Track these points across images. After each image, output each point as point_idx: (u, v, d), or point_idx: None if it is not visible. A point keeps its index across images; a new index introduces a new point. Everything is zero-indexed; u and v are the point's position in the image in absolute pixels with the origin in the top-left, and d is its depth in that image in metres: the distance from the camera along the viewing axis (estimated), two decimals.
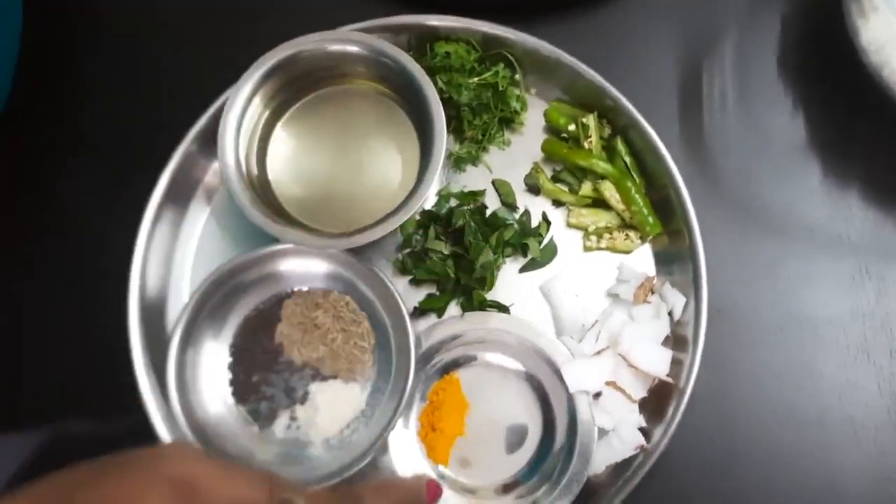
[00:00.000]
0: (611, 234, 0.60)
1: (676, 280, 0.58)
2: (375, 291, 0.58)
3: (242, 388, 0.58)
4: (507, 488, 0.57)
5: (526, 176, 0.61)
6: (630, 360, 0.56)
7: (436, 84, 0.58)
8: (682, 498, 0.58)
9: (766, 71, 0.63)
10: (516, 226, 0.60)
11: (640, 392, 0.57)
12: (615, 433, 0.56)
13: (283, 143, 0.61)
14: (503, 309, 0.59)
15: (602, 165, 0.59)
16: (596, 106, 0.60)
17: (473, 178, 0.62)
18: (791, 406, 0.58)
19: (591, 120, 0.60)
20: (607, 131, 0.61)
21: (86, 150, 0.65)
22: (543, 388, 0.58)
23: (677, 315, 0.57)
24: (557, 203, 0.61)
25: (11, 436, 0.60)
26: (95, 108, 0.65)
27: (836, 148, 0.62)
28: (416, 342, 0.56)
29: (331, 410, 0.57)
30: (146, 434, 0.55)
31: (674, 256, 0.59)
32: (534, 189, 0.61)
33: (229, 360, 0.58)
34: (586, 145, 0.60)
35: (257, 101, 0.58)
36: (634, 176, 0.59)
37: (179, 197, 0.60)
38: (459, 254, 0.59)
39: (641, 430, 0.56)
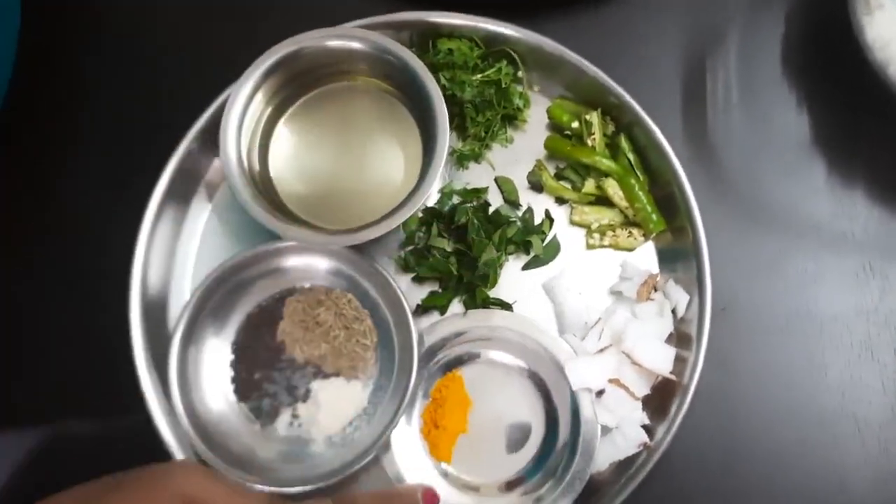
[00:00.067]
0: (614, 231, 0.60)
1: (680, 277, 0.58)
2: (378, 289, 0.58)
3: (244, 386, 0.58)
4: (509, 486, 0.57)
5: (529, 173, 0.61)
6: (633, 357, 0.56)
7: (438, 81, 0.57)
8: (685, 495, 0.58)
9: (771, 68, 0.63)
10: (519, 223, 0.60)
11: (643, 389, 0.56)
12: (618, 431, 0.56)
13: (285, 140, 0.61)
14: (506, 306, 0.59)
15: (605, 163, 0.59)
16: (599, 103, 0.60)
17: (476, 176, 0.61)
18: (794, 403, 0.58)
19: (594, 117, 0.59)
20: (611, 128, 0.61)
21: (86, 150, 0.65)
22: (546, 386, 0.57)
23: (681, 312, 0.57)
24: (560, 200, 0.61)
25: (10, 435, 0.60)
26: (95, 109, 0.65)
27: (840, 145, 0.62)
28: (418, 340, 0.56)
29: (333, 408, 0.57)
30: (146, 433, 0.55)
31: (677, 254, 0.58)
32: (537, 186, 0.61)
33: (231, 357, 0.58)
34: (589, 142, 0.59)
35: (259, 97, 0.58)
36: (638, 173, 0.59)
37: (181, 194, 0.60)
38: (462, 251, 0.59)
39: (644, 427, 0.56)
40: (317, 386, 0.58)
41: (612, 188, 0.59)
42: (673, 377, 0.56)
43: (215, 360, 0.58)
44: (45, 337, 0.61)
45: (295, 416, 0.57)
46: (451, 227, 0.60)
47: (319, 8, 0.60)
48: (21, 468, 0.59)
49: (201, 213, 0.62)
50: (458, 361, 0.58)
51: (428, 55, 0.60)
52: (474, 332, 0.58)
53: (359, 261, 0.57)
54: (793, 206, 0.61)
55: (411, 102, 0.60)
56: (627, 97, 0.58)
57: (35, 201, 0.64)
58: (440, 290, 0.60)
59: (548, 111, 0.61)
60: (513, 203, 0.61)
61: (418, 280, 0.60)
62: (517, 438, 0.57)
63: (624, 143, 0.59)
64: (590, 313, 0.59)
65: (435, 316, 0.60)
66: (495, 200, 0.61)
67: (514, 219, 0.60)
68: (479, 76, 0.60)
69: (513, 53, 0.60)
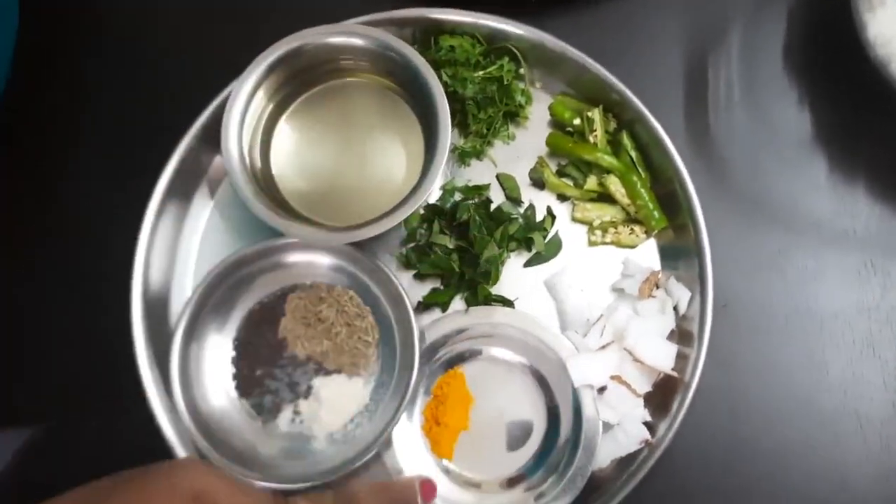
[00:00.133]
0: (616, 228, 0.60)
1: (682, 274, 0.58)
2: (380, 286, 0.58)
3: (246, 383, 0.58)
4: (511, 482, 0.57)
5: (531, 170, 0.61)
6: (635, 354, 0.56)
7: (440, 78, 0.57)
8: (687, 492, 0.58)
9: (773, 65, 0.63)
10: (521, 220, 0.60)
11: (644, 386, 0.56)
12: (620, 427, 0.56)
13: (286, 137, 0.61)
14: (508, 303, 0.59)
15: (607, 159, 0.59)
16: (601, 100, 0.60)
17: (478, 173, 0.61)
18: (796, 400, 0.58)
19: (596, 114, 0.59)
20: (613, 125, 0.60)
21: (87, 152, 0.65)
22: (548, 383, 0.57)
23: (682, 309, 0.57)
24: (562, 197, 0.61)
25: (12, 436, 0.60)
26: (97, 111, 0.65)
27: (842, 142, 0.62)
28: (420, 337, 0.56)
29: (334, 405, 0.57)
30: (147, 434, 0.55)
31: (679, 251, 0.58)
32: (539, 183, 0.61)
33: (233, 354, 0.58)
34: (591, 139, 0.59)
35: (261, 94, 0.58)
36: (640, 170, 0.59)
37: (183, 190, 0.60)
38: (464, 248, 0.59)
39: (646, 424, 0.56)
40: (318, 383, 0.58)
41: (614, 185, 0.59)
42: (675, 374, 0.56)
43: (217, 356, 0.58)
44: (47, 339, 0.61)
45: (296, 412, 0.57)
46: (452, 223, 0.60)
47: (321, 10, 0.60)
48: (23, 469, 0.59)
49: (203, 210, 0.62)
50: (460, 358, 0.58)
51: (430, 52, 0.59)
52: (476, 329, 0.58)
53: (360, 258, 0.57)
54: (794, 203, 0.61)
55: (413, 99, 0.60)
56: (629, 94, 0.58)
57: (36, 203, 0.64)
58: (442, 287, 0.60)
59: (550, 108, 0.61)
60: (515, 200, 0.61)
61: (420, 277, 0.60)
62: (519, 435, 0.57)
63: (626, 140, 0.59)
64: (591, 310, 0.59)
65: (436, 313, 0.60)
66: (497, 197, 0.61)
67: (515, 216, 0.60)
68: (480, 73, 0.60)
69: (515, 50, 0.60)
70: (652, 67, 0.63)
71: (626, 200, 0.59)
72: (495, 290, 0.59)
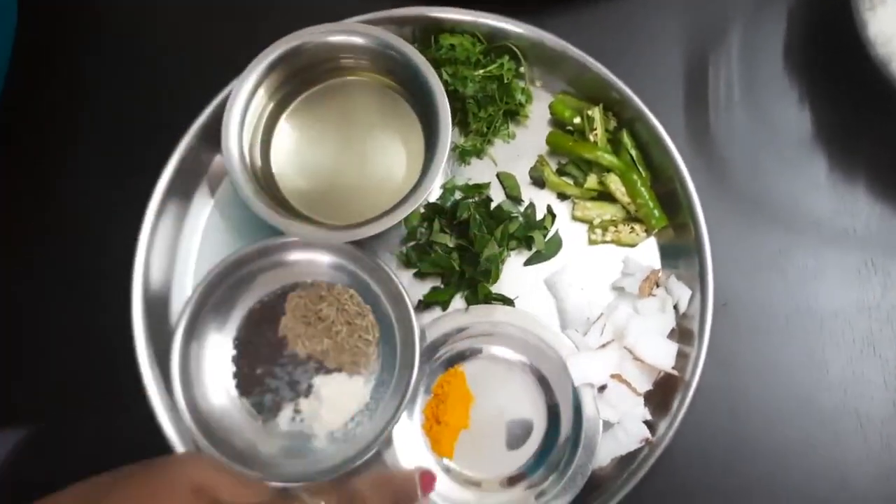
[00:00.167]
0: (616, 227, 0.60)
1: (682, 273, 0.58)
2: (380, 284, 0.58)
3: (246, 381, 0.58)
4: (511, 481, 0.57)
5: (531, 169, 0.61)
6: (635, 353, 0.56)
7: (441, 76, 0.57)
8: (687, 491, 0.58)
9: (773, 64, 0.63)
10: (521, 219, 0.60)
11: (645, 385, 0.56)
12: (620, 426, 0.56)
13: (287, 136, 0.61)
14: (508, 302, 0.59)
15: (607, 158, 0.59)
16: (601, 98, 0.60)
17: (478, 171, 0.61)
18: (796, 399, 0.58)
19: (596, 112, 0.59)
20: (613, 124, 0.60)
21: (86, 150, 0.64)
22: (548, 382, 0.57)
23: (683, 308, 0.57)
24: (562, 196, 0.61)
25: (10, 434, 0.60)
26: (96, 109, 0.65)
27: (842, 141, 0.62)
28: (420, 335, 0.56)
29: (335, 403, 0.57)
30: (147, 432, 0.55)
31: (679, 249, 0.59)
32: (539, 182, 0.61)
33: (233, 352, 0.58)
34: (592, 138, 0.59)
35: (261, 92, 0.58)
36: (640, 169, 0.59)
37: (183, 189, 0.60)
38: (464, 247, 0.59)
39: (646, 423, 0.56)
40: (319, 381, 0.57)
41: (615, 184, 0.59)
42: (675, 373, 0.56)
43: (217, 355, 0.58)
44: (46, 337, 0.61)
45: (297, 411, 0.57)
46: (453, 222, 0.60)
47: (320, 8, 0.60)
48: (22, 467, 0.59)
49: (203, 209, 0.62)
50: (460, 357, 0.58)
51: (430, 51, 0.59)
52: (476, 327, 0.58)
53: (361, 256, 0.57)
54: (794, 202, 0.61)
55: (413, 98, 0.60)
56: (630, 93, 0.58)
57: (35, 201, 0.64)
58: (442, 286, 0.60)
59: (550, 107, 0.61)
60: (515, 199, 0.61)
61: (420, 276, 0.60)
62: (519, 434, 0.57)
63: (626, 139, 0.59)
64: (592, 309, 0.59)
65: (437, 311, 0.60)
66: (497, 196, 0.61)
67: (515, 214, 0.60)
68: (481, 72, 0.60)
69: (515, 49, 0.60)
70: (652, 66, 0.63)
71: (626, 199, 0.59)
72: (495, 288, 0.59)
